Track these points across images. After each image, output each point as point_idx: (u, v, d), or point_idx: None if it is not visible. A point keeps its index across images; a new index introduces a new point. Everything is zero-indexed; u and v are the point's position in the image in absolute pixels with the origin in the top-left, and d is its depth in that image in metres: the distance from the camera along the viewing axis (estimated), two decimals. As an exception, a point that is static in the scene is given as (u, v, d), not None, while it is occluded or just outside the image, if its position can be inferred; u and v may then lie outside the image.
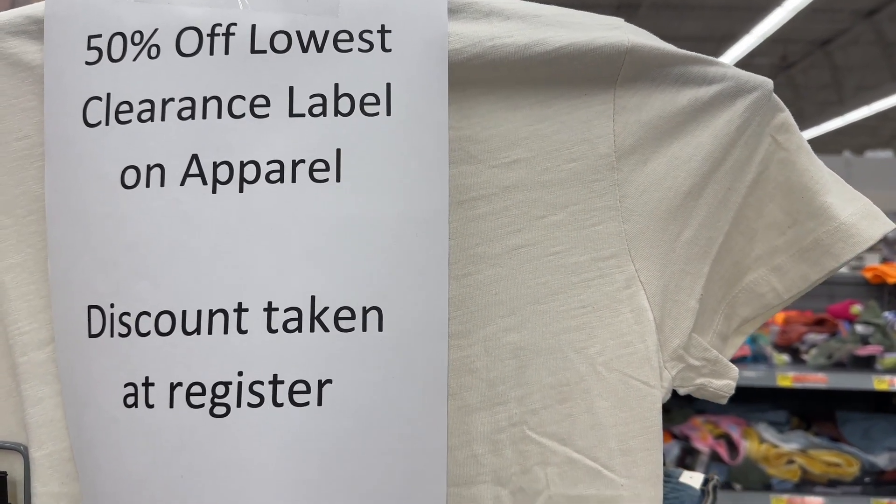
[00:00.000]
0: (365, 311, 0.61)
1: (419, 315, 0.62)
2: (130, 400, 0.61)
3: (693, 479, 0.95)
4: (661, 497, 0.66)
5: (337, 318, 0.60)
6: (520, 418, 0.67)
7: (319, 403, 0.60)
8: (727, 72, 0.68)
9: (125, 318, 0.61)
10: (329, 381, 0.60)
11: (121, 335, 0.61)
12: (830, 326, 2.65)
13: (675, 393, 0.70)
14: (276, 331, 0.60)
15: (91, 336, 0.63)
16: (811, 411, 2.68)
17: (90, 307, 0.63)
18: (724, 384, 0.71)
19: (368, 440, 0.61)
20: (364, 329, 0.61)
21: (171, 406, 0.60)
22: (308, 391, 0.60)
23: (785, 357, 2.59)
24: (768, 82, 0.69)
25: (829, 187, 0.71)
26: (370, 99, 0.62)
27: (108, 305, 0.62)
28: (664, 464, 0.90)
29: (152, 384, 0.60)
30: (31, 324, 0.67)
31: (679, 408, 2.55)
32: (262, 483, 0.59)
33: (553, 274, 0.67)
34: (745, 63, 8.18)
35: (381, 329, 0.61)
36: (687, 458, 2.41)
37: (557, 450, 0.66)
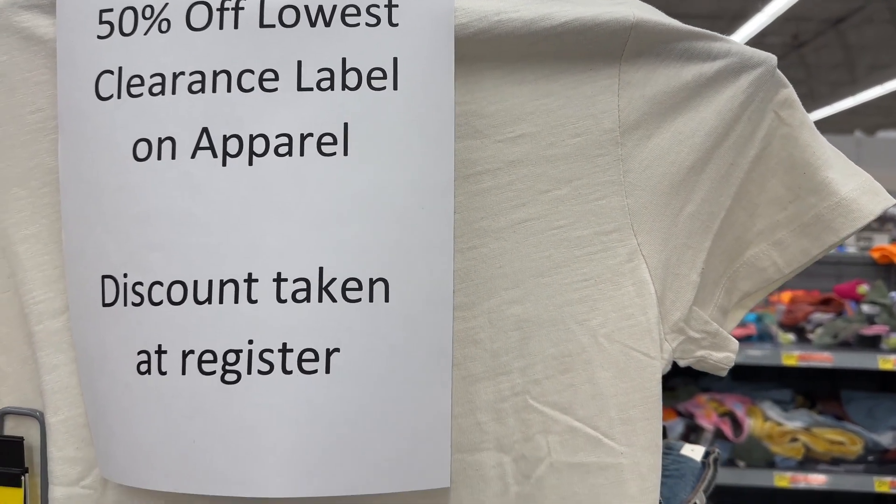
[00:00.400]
0: (372, 282, 0.62)
1: (425, 287, 0.63)
2: (143, 367, 0.63)
3: (694, 451, 0.97)
4: (659, 465, 0.67)
5: (344, 289, 0.62)
6: (522, 388, 0.68)
7: (328, 371, 0.61)
8: (731, 47, 0.68)
9: (138, 288, 0.63)
10: (337, 349, 0.61)
11: (134, 304, 0.63)
12: (837, 306, 2.66)
13: (680, 371, 0.71)
14: (285, 301, 0.61)
15: (105, 305, 0.64)
16: (816, 390, 2.69)
17: (104, 277, 0.64)
18: (723, 356, 0.73)
19: (375, 407, 0.62)
20: (371, 300, 0.62)
21: (184, 373, 0.62)
22: (316, 359, 0.61)
23: (790, 336, 2.60)
24: (772, 58, 0.69)
25: (830, 163, 0.71)
26: (377, 73, 0.62)
27: (121, 275, 0.63)
28: (666, 437, 0.92)
29: (165, 352, 0.62)
30: (47, 293, 0.69)
31: (684, 385, 2.57)
32: (271, 448, 0.61)
33: (557, 247, 0.68)
34: (756, 42, 8.10)
35: (387, 300, 0.62)
36: (691, 436, 2.43)
37: (559, 419, 0.68)
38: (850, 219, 0.70)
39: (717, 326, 0.72)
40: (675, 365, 0.72)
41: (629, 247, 0.68)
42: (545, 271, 0.68)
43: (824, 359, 2.44)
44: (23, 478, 0.70)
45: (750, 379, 2.62)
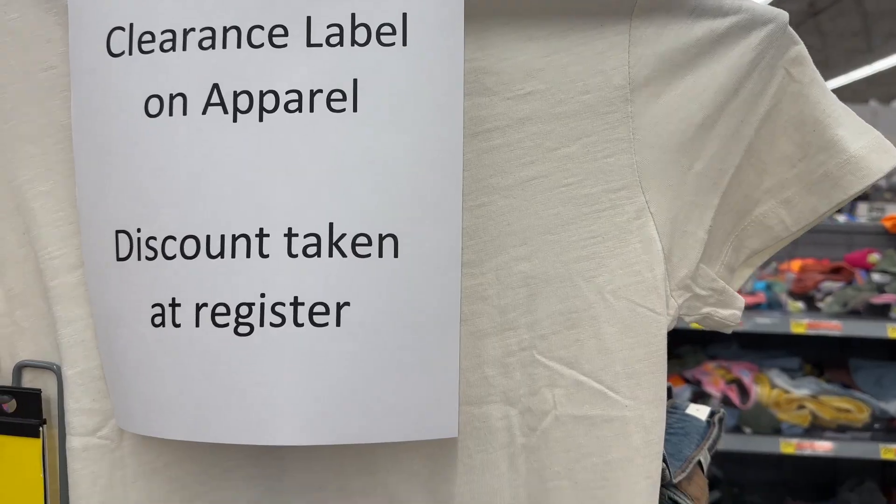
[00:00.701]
0: (381, 238, 0.63)
1: (433, 243, 0.64)
2: (158, 320, 0.64)
3: (699, 411, 0.98)
4: (664, 418, 0.69)
5: (354, 245, 0.62)
6: (529, 343, 0.69)
7: (338, 325, 0.62)
8: (742, 4, 0.68)
9: (151, 242, 0.64)
10: (347, 303, 0.62)
11: (148, 258, 0.64)
12: (847, 275, 2.65)
13: (688, 338, 0.71)
14: (296, 255, 0.62)
15: (119, 259, 0.65)
16: (824, 359, 2.69)
17: (117, 232, 0.65)
18: (729, 314, 0.73)
19: (385, 360, 0.63)
20: (380, 255, 0.63)
21: (197, 325, 0.63)
22: (327, 313, 0.62)
23: (800, 304, 2.59)
24: (784, 14, 0.69)
25: (840, 120, 0.71)
26: (386, 29, 0.62)
27: (134, 230, 0.64)
28: (671, 398, 0.93)
29: (179, 305, 0.63)
30: (61, 249, 0.70)
31: (692, 352, 2.57)
32: (283, 398, 0.62)
33: (565, 205, 0.68)
34: (771, 9, 7.94)
35: (396, 256, 0.63)
36: (698, 402, 2.44)
37: (565, 373, 0.69)
38: (858, 176, 0.70)
39: (723, 284, 0.72)
40: (682, 332, 0.72)
41: (637, 204, 0.68)
42: (553, 228, 0.68)
43: (833, 327, 2.44)
44: (41, 429, 0.72)
45: (758, 347, 2.63)
